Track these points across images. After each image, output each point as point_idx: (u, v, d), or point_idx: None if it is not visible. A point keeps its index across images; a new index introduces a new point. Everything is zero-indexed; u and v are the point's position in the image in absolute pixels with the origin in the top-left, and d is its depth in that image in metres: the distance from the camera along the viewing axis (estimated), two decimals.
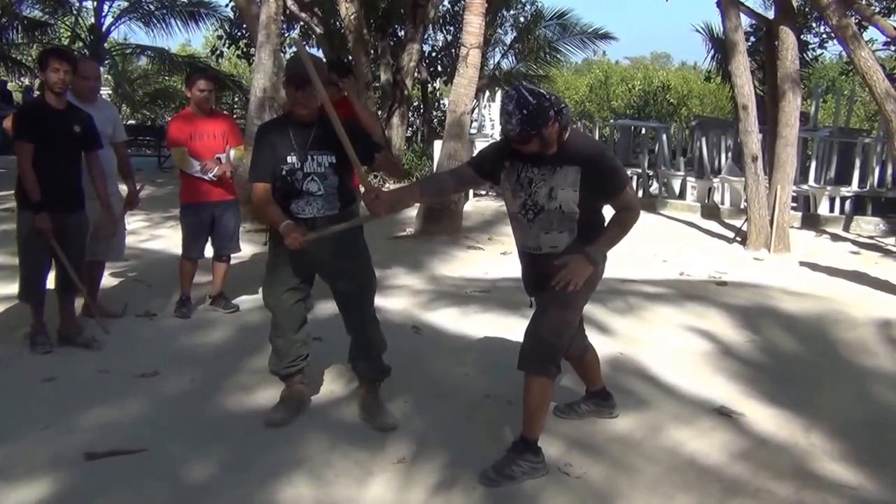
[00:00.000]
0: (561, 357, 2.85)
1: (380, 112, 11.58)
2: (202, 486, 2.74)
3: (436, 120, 14.46)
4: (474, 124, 11.64)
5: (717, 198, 10.11)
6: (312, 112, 3.10)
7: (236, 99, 17.24)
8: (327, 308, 4.19)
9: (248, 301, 4.88)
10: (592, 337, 4.36)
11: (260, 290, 3.41)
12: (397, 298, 5.18)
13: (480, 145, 10.75)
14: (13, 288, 4.70)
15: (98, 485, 2.70)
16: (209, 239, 4.72)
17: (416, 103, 14.57)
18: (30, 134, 3.81)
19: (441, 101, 15.57)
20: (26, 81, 18.07)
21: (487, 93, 12.77)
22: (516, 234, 2.94)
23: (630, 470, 2.89)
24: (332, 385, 3.63)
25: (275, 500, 2.65)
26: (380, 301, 5.03)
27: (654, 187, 11.10)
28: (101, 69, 15.73)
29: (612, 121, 18.19)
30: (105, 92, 17.85)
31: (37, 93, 12.75)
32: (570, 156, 2.71)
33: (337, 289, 3.26)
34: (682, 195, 10.59)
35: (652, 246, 7.39)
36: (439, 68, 15.29)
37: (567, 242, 2.79)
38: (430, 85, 14.95)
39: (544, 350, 2.77)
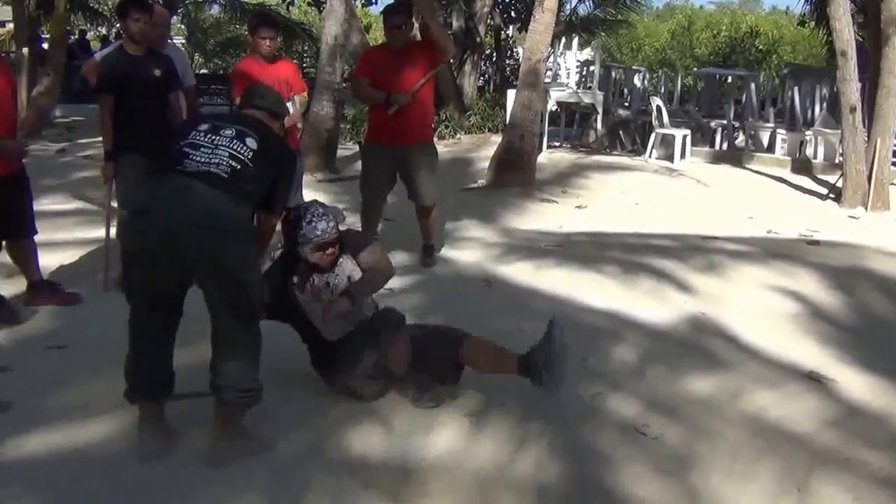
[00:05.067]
0: None
1: (451, 60, 11.35)
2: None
3: (509, 68, 14.11)
4: (549, 73, 11.28)
5: (809, 151, 9.56)
6: None
7: (306, 48, 17.25)
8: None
9: None
10: (672, 295, 4.23)
11: None
12: (469, 251, 5.11)
13: (555, 95, 10.43)
14: (97, 232, 4.87)
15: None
16: None
17: (488, 51, 14.19)
18: (109, 84, 3.98)
19: (515, 49, 15.15)
20: (103, 31, 18.54)
21: (563, 40, 12.32)
22: None
23: (710, 433, 2.77)
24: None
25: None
26: (451, 253, 5.01)
27: (741, 140, 10.56)
28: (174, 18, 16.07)
29: (695, 69, 17.36)
30: (179, 41, 18.21)
31: (112, 40, 13.11)
32: None
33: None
34: (770, 149, 10.03)
35: (737, 202, 7.05)
36: (513, 14, 14.82)
37: None
38: (503, 32, 14.54)
39: None
